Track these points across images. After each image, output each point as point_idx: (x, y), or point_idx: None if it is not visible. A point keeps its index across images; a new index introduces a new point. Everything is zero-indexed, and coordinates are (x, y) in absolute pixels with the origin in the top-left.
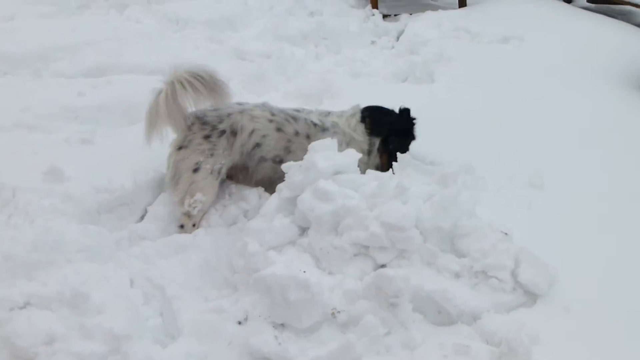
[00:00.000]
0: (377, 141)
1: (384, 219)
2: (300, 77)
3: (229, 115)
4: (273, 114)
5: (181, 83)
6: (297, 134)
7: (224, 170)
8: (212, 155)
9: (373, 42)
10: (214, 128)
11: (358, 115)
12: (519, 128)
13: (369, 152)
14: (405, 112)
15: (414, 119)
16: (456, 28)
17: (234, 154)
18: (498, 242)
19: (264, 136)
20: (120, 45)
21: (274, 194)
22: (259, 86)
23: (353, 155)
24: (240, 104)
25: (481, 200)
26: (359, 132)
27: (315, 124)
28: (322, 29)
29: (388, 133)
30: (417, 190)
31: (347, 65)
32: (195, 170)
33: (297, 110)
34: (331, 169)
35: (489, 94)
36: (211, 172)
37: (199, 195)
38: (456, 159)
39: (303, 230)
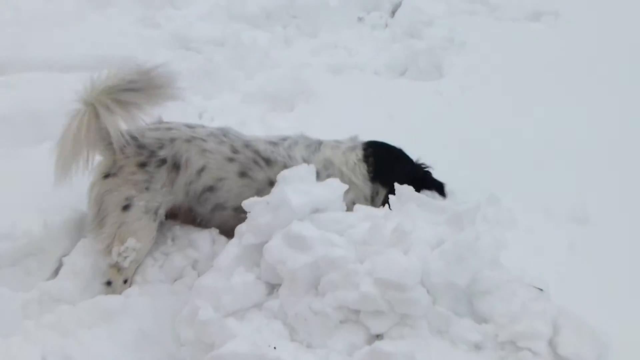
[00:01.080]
0: (383, 192)
1: (379, 274)
2: (265, 72)
3: (172, 140)
4: (235, 151)
5: (107, 106)
6: (271, 183)
7: (162, 211)
8: (147, 189)
9: (360, 20)
10: (152, 154)
11: (359, 152)
12: (557, 143)
13: (371, 202)
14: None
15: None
16: (471, 0)
17: (176, 192)
18: (531, 301)
19: (220, 179)
20: (23, 31)
21: (233, 240)
22: (208, 85)
23: (337, 187)
24: (191, 126)
25: (508, 243)
26: (359, 175)
27: None
28: (293, 4)
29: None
30: (423, 233)
31: (327, 53)
32: (126, 207)
33: (274, 144)
34: (308, 206)
35: (516, 94)
36: (146, 211)
37: (131, 242)
38: (475, 187)
39: (272, 289)
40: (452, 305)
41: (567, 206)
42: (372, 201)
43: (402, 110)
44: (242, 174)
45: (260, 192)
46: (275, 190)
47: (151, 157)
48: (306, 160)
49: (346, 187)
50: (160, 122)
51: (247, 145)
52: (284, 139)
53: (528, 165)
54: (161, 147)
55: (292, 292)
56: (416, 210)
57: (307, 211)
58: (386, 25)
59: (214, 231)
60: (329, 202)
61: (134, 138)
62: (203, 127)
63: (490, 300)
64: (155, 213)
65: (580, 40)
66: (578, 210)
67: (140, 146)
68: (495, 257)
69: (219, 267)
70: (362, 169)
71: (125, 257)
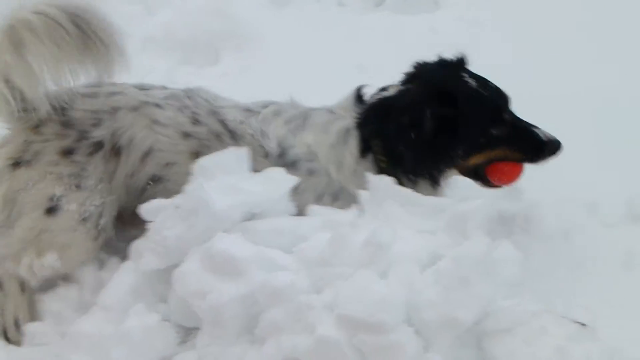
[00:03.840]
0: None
1: (344, 309)
2: (174, 6)
3: (114, 111)
4: (196, 121)
5: (31, 29)
6: None
7: (106, 220)
8: (78, 187)
9: None
10: (81, 136)
11: (354, 142)
12: (607, 112)
13: None
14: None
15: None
16: None
17: (116, 189)
18: (568, 341)
19: (168, 165)
20: None
21: (126, 264)
22: None
23: (282, 181)
24: (143, 88)
25: (534, 256)
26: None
27: (267, 153)
28: None
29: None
30: (409, 247)
31: None
32: (51, 210)
33: (249, 111)
34: (239, 210)
35: (552, 32)
36: (83, 220)
37: (51, 258)
38: None
39: (187, 335)
40: (454, 352)
41: (620, 198)
42: None
43: (378, 59)
44: (196, 155)
45: None
46: (189, 186)
47: (80, 140)
48: (282, 144)
49: (295, 179)
50: (100, 83)
51: (214, 112)
52: (266, 105)
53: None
54: (97, 124)
55: (216, 338)
56: (399, 212)
57: (237, 218)
58: None
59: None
60: (270, 204)
61: (59, 109)
62: (164, 88)
63: (509, 343)
64: (96, 224)
65: None
66: (637, 204)
67: (66, 123)
68: (516, 278)
69: (106, 304)
70: (367, 167)
71: (35, 275)
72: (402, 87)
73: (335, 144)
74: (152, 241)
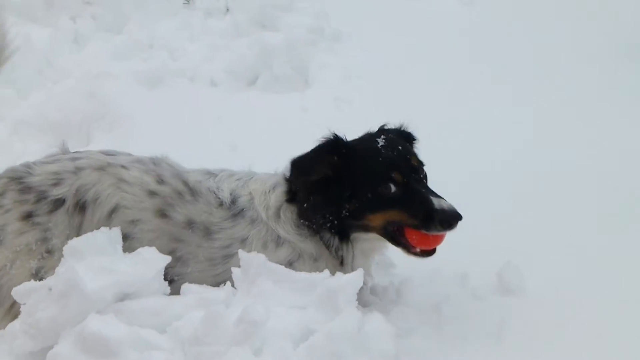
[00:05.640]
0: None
1: None
2: (46, 89)
3: (77, 171)
4: (161, 181)
5: None
6: (190, 225)
7: None
8: (48, 252)
9: (187, 3)
10: (40, 197)
11: (280, 189)
12: (476, 184)
13: (330, 261)
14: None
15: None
16: None
17: None
18: None
19: (134, 222)
20: None
21: (0, 347)
22: None
23: (154, 261)
24: (109, 153)
25: (407, 325)
26: (288, 225)
27: (221, 203)
28: None
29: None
30: (282, 323)
31: (137, 56)
32: None
33: (210, 174)
34: (111, 290)
35: (415, 108)
36: None
37: None
38: None
39: None
40: None
41: (490, 272)
42: (329, 259)
43: (250, 137)
44: (160, 213)
45: (178, 239)
46: (61, 268)
47: (39, 201)
48: (233, 193)
49: (167, 259)
50: (65, 151)
51: (178, 175)
52: (224, 170)
53: None
54: (57, 184)
55: None
56: (272, 289)
57: (109, 299)
58: (227, 11)
59: None
60: (142, 284)
61: (15, 179)
62: (130, 155)
63: None
64: None
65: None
66: (509, 274)
67: (23, 190)
68: (389, 351)
69: None
70: (289, 216)
71: None
72: None
73: (266, 191)
74: (25, 323)
